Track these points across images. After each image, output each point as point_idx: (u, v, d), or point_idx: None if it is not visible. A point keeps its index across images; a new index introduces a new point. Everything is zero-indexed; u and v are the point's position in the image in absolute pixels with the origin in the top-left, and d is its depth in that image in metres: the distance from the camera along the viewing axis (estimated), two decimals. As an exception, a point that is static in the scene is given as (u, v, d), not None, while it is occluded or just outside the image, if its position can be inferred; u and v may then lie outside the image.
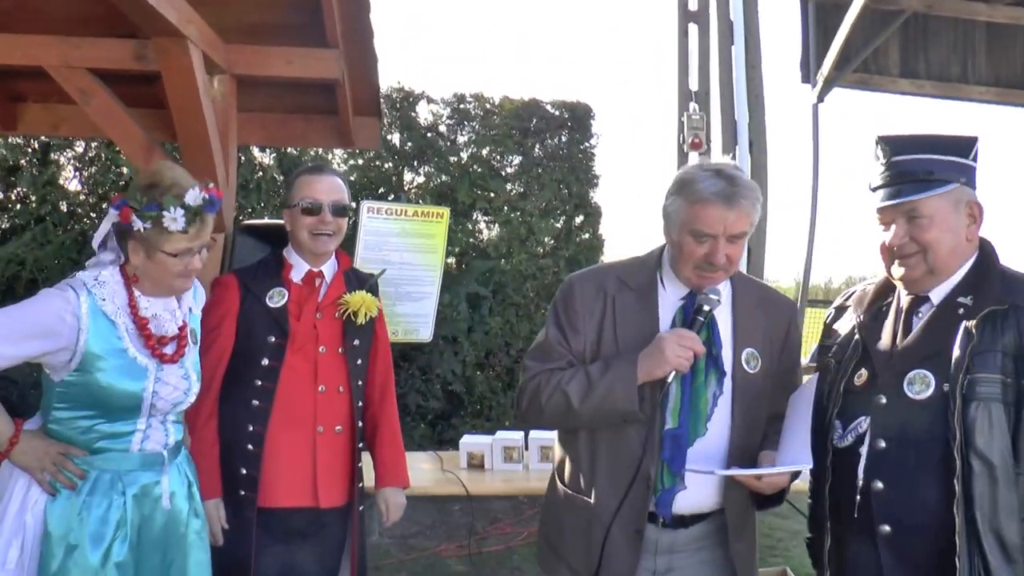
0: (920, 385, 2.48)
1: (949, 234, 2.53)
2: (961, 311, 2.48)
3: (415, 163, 8.35)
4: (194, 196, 2.74)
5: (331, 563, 3.51)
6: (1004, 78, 13.09)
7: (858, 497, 2.54)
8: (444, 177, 8.36)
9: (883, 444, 2.51)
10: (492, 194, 8.49)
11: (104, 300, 2.76)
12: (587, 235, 8.93)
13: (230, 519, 3.27)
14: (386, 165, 8.29)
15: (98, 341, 2.73)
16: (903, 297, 2.66)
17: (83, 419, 2.77)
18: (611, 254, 9.30)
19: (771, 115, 9.27)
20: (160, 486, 2.87)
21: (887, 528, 2.48)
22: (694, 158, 9.96)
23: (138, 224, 2.72)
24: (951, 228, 2.53)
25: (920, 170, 2.52)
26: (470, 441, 5.01)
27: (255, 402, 3.29)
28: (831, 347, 2.79)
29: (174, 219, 2.72)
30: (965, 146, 2.56)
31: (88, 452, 2.77)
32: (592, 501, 2.84)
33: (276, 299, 3.36)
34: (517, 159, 8.72)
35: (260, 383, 3.29)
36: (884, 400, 2.53)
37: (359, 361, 3.49)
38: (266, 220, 5.63)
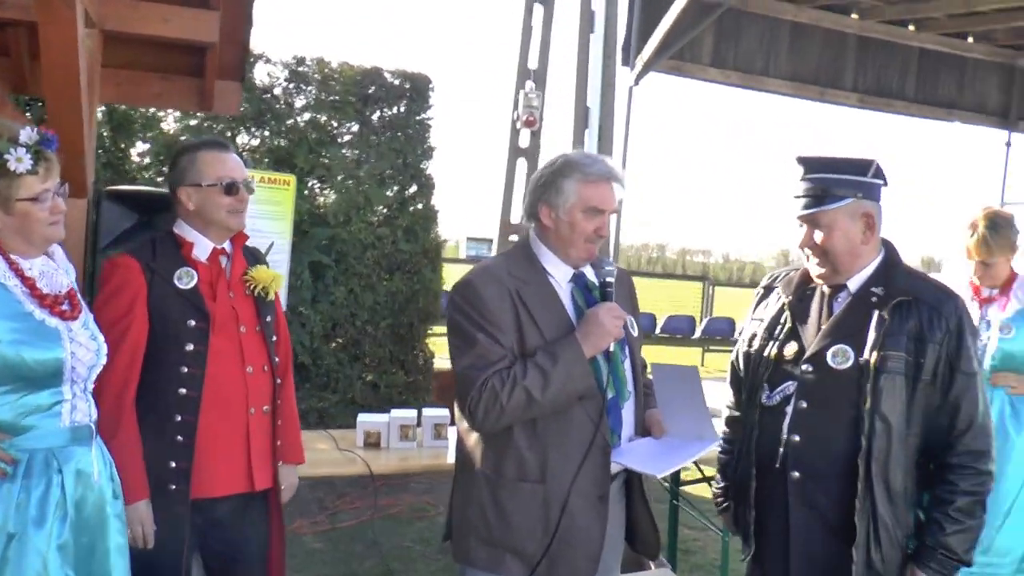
0: (841, 357, 2.92)
1: (844, 240, 2.97)
2: (874, 299, 2.96)
3: (251, 126, 8.09)
4: (28, 134, 2.61)
5: (261, 547, 3.46)
6: (800, 73, 13.92)
7: (781, 449, 2.97)
8: (281, 141, 8.14)
9: (805, 405, 2.96)
10: (329, 160, 8.32)
11: None
12: (420, 205, 8.89)
13: (159, 518, 3.12)
14: (219, 126, 7.98)
15: None
16: (824, 285, 3.10)
17: (4, 395, 2.59)
18: (444, 226, 9.33)
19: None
20: (90, 462, 2.75)
21: (796, 474, 2.93)
22: (526, 135, 10.11)
23: None
24: (846, 235, 2.97)
25: (823, 187, 2.97)
26: (367, 420, 4.96)
27: (182, 390, 3.14)
28: (761, 321, 3.22)
29: (19, 159, 2.57)
30: (862, 167, 3.01)
31: (14, 435, 2.60)
32: (544, 483, 2.93)
33: (186, 280, 3.21)
34: (355, 126, 8.57)
35: (186, 370, 3.15)
36: (810, 369, 2.97)
37: (274, 338, 3.43)
38: (133, 187, 5.34)
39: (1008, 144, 15.68)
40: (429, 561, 6.09)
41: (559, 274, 3.08)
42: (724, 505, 3.37)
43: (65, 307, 2.73)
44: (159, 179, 7.77)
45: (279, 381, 3.42)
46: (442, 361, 9.74)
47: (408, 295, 8.64)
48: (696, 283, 24.55)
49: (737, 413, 3.33)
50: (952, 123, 15.45)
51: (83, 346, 2.73)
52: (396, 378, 8.57)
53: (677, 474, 5.59)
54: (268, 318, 3.41)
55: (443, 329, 12.95)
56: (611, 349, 2.98)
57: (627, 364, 3.10)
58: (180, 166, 3.33)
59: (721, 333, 18.22)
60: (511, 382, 2.84)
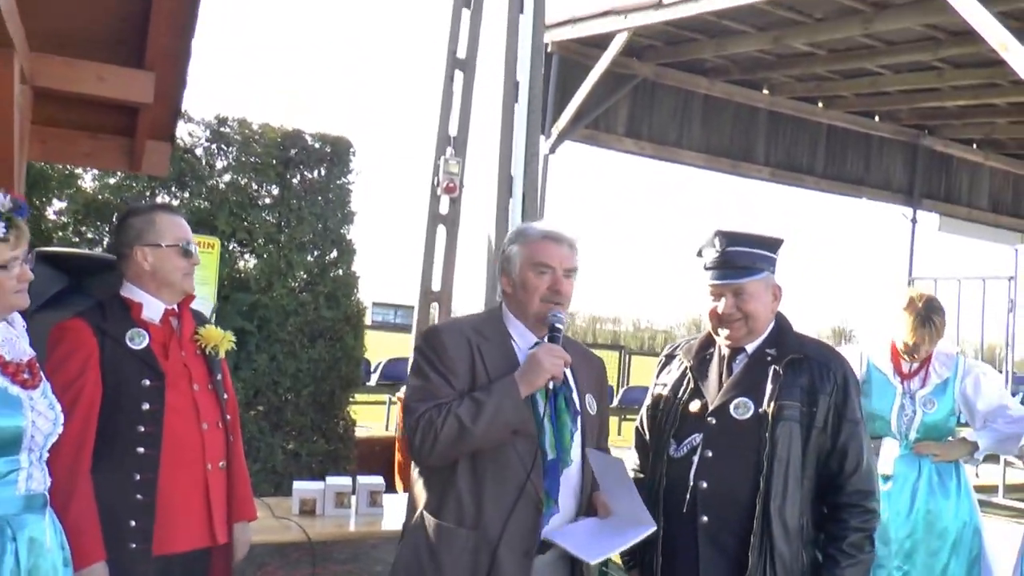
0: (743, 409, 3.23)
1: (762, 307, 3.33)
2: (769, 359, 3.29)
3: (171, 186, 7.93)
4: (0, 201, 2.59)
5: None
6: (713, 146, 14.26)
7: (687, 496, 3.21)
8: (202, 203, 7.99)
9: (710, 453, 3.23)
10: (250, 224, 8.20)
11: None
12: (341, 271, 8.80)
13: None
14: (138, 185, 7.81)
15: None
16: (723, 349, 3.41)
17: None
18: (365, 292, 9.23)
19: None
20: (43, 530, 2.71)
21: (705, 518, 3.18)
22: (446, 202, 10.08)
23: None
24: (763, 303, 3.34)
25: (746, 260, 3.30)
26: (302, 487, 4.97)
27: (140, 449, 3.16)
28: (665, 385, 3.50)
29: None
30: (777, 245, 3.39)
31: None
32: (475, 529, 3.02)
33: (138, 341, 3.26)
34: (276, 189, 8.47)
35: (143, 428, 3.18)
36: (714, 421, 3.26)
37: (224, 396, 3.47)
38: (63, 249, 5.18)
39: (913, 220, 16.25)
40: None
41: (522, 340, 3.22)
42: (631, 563, 3.51)
43: (26, 375, 2.72)
44: (75, 239, 7.58)
45: (231, 438, 3.47)
46: (363, 429, 9.61)
47: (330, 362, 8.51)
48: (611, 351, 24.70)
49: (642, 475, 3.52)
50: (860, 199, 15.94)
51: (42, 415, 2.71)
52: (317, 446, 8.41)
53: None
54: (218, 376, 3.46)
55: (365, 396, 12.81)
56: (559, 412, 3.11)
57: (577, 436, 3.18)
58: (135, 227, 3.35)
59: (638, 402, 18.24)
60: (446, 411, 2.96)
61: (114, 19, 4.03)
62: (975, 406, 4.71)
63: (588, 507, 3.24)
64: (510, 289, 3.26)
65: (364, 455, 8.83)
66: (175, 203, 7.97)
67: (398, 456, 9.05)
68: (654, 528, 3.11)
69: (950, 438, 4.77)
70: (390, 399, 13.15)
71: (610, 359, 23.11)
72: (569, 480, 3.15)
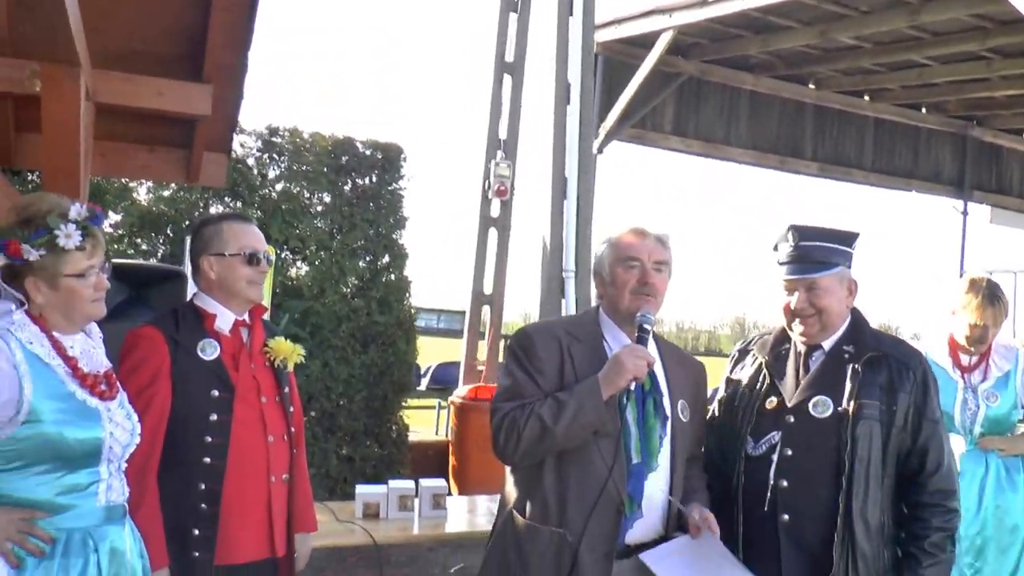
0: (822, 407, 3.17)
1: (836, 302, 3.26)
2: (846, 356, 3.24)
3: (225, 196, 8.03)
4: (78, 211, 2.60)
5: None
6: (760, 142, 14.14)
7: (768, 494, 3.16)
8: (255, 212, 8.07)
9: (790, 452, 3.17)
10: (303, 232, 8.28)
11: (32, 343, 2.56)
12: (394, 276, 8.86)
13: None
14: (193, 196, 7.92)
15: (43, 388, 2.53)
16: (799, 345, 3.34)
17: (42, 474, 2.55)
18: (418, 297, 9.27)
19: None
20: (123, 540, 2.73)
21: (786, 517, 3.13)
22: (496, 205, 10.13)
23: (32, 254, 2.54)
24: (838, 298, 3.26)
25: (820, 255, 3.26)
26: (365, 491, 4.97)
27: (207, 459, 3.15)
28: (739, 381, 3.44)
29: (68, 235, 2.56)
30: (851, 239, 3.34)
31: (52, 513, 2.56)
32: (561, 529, 3.02)
33: (209, 351, 3.22)
34: (328, 197, 8.54)
35: (211, 439, 3.16)
36: (793, 419, 3.20)
37: (291, 409, 3.45)
38: (125, 260, 5.27)
39: (964, 213, 16.00)
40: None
41: (615, 342, 3.18)
42: None
43: (103, 387, 2.71)
44: (130, 251, 7.69)
45: (295, 451, 3.45)
46: (414, 434, 9.64)
47: (383, 367, 8.57)
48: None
49: (708, 467, 3.46)
50: (909, 192, 15.76)
51: (120, 426, 2.72)
52: (371, 451, 8.47)
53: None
54: (286, 389, 3.44)
55: (417, 401, 12.78)
56: (647, 416, 3.08)
57: (666, 441, 3.13)
58: (204, 236, 3.35)
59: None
60: (529, 411, 2.98)
61: (173, 35, 4.12)
62: None
63: (676, 519, 3.18)
64: (602, 290, 3.27)
65: (417, 459, 8.86)
66: (227, 213, 8.06)
67: (452, 460, 9.09)
68: None
69: (1013, 432, 4.67)
70: (440, 403, 13.16)
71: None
72: (656, 485, 3.11)
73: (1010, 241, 17.30)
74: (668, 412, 3.15)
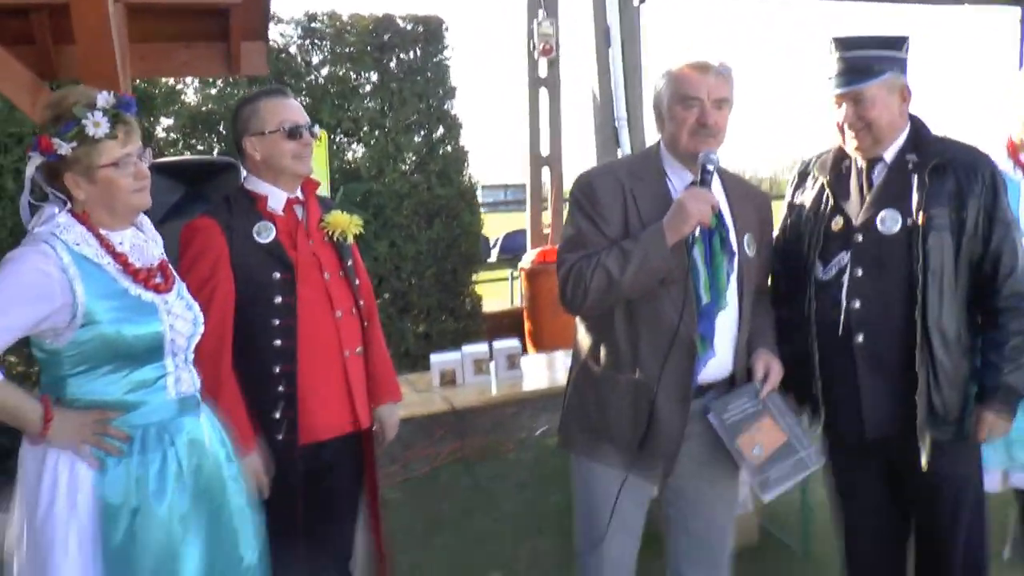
0: (891, 222, 3.11)
1: (886, 112, 3.15)
2: (910, 166, 3.16)
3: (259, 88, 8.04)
4: (105, 99, 2.55)
5: (358, 485, 3.55)
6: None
7: (842, 317, 3.16)
8: (303, 99, 8.08)
9: (860, 272, 3.15)
10: (354, 113, 8.29)
11: (79, 244, 2.55)
12: (450, 147, 8.87)
13: (269, 468, 3.15)
14: (239, 92, 7.93)
15: (95, 288, 2.53)
16: (859, 160, 3.27)
17: (109, 374, 2.57)
18: (475, 166, 9.28)
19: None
20: (200, 430, 2.76)
21: (861, 339, 3.14)
22: (544, 65, 10.02)
23: (64, 148, 2.51)
24: (887, 107, 3.16)
25: (863, 64, 3.14)
26: (440, 359, 5.02)
27: (277, 342, 3.16)
28: (802, 205, 3.39)
29: (97, 124, 2.53)
30: (898, 43, 3.19)
31: (124, 412, 2.59)
32: (636, 376, 3.05)
33: (265, 234, 3.19)
34: (374, 76, 8.53)
35: (278, 322, 3.16)
36: (861, 238, 3.16)
37: (357, 282, 3.43)
38: (177, 158, 5.33)
39: (1022, 21, 15.42)
40: (505, 497, 6.13)
41: (678, 179, 3.13)
42: (786, 386, 3.37)
43: (159, 279, 2.70)
44: (186, 152, 7.76)
45: (367, 324, 3.45)
46: (490, 304, 9.75)
47: (449, 241, 8.65)
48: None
49: (778, 295, 3.44)
50: (962, 6, 15.21)
51: (180, 317, 2.71)
52: (446, 326, 8.60)
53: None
54: (349, 262, 3.42)
55: (488, 274, 12.92)
56: (714, 254, 3.03)
57: (733, 277, 3.09)
58: (242, 117, 3.30)
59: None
60: (595, 263, 2.95)
61: (195, -76, 4.05)
62: None
63: (746, 357, 3.20)
64: (661, 126, 3.17)
65: (493, 329, 8.94)
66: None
67: (527, 325, 9.19)
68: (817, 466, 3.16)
69: None
70: (512, 274, 13.23)
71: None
72: (725, 323, 3.10)
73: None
74: (735, 247, 3.11)
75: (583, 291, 2.97)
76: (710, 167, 3.00)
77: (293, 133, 3.23)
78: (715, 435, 3.10)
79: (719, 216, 3.05)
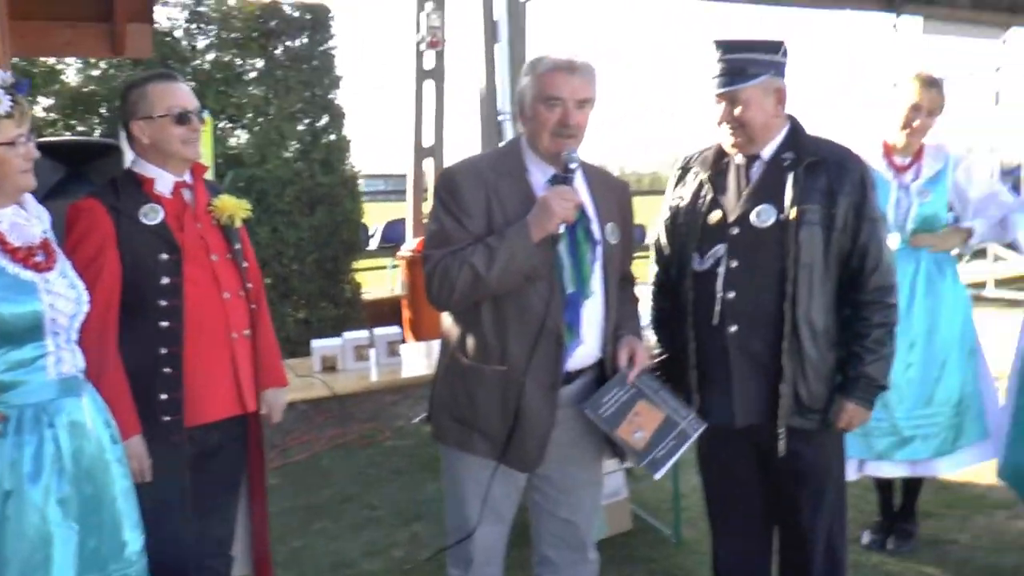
0: (765, 216, 3.23)
1: (760, 113, 3.27)
2: (786, 163, 3.28)
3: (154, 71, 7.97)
4: (3, 77, 2.54)
5: (242, 469, 3.56)
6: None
7: (717, 307, 3.26)
8: (189, 84, 8.01)
9: (735, 263, 3.26)
10: (238, 99, 8.28)
11: None
12: (333, 136, 8.90)
13: (155, 451, 3.14)
14: (123, 74, 7.84)
15: None
16: (738, 157, 3.38)
17: None
18: (357, 155, 9.35)
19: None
20: (82, 412, 2.69)
21: (735, 328, 3.25)
22: (431, 57, 10.11)
23: None
24: (762, 108, 3.27)
25: (740, 66, 3.25)
26: (321, 344, 4.99)
27: (163, 323, 3.16)
28: (682, 199, 3.49)
29: None
30: (774, 47, 3.30)
31: (1, 391, 2.55)
32: (504, 367, 3.09)
33: (152, 216, 3.19)
34: (260, 63, 8.52)
35: (165, 303, 3.16)
36: (736, 231, 3.27)
37: (244, 265, 3.45)
38: (59, 138, 5.27)
39: (895, 27, 16.09)
40: (383, 484, 6.22)
41: (539, 175, 3.16)
42: (662, 379, 3.44)
43: (39, 258, 2.66)
44: (66, 133, 7.64)
45: (254, 306, 3.47)
46: (370, 293, 9.81)
47: (331, 228, 8.67)
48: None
49: (660, 287, 3.60)
50: (843, 10, 15.78)
51: (61, 296, 2.67)
52: (326, 312, 8.64)
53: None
54: (237, 246, 3.43)
55: (369, 262, 12.90)
56: (578, 244, 3.08)
57: (597, 266, 3.17)
58: (130, 101, 3.28)
59: (634, 240, 18.39)
60: (461, 260, 2.98)
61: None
62: (967, 194, 4.71)
63: (614, 343, 3.25)
64: (523, 122, 3.21)
65: (373, 317, 8.99)
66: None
67: (407, 313, 9.28)
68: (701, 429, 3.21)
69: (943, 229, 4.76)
70: (392, 263, 13.23)
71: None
72: (592, 311, 3.16)
73: (942, 51, 17.38)
74: (598, 237, 3.18)
75: (449, 288, 3.02)
76: (572, 165, 3.08)
77: (182, 118, 3.23)
78: (582, 421, 3.18)
79: (581, 208, 3.11)
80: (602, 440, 3.33)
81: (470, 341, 3.18)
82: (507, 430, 3.11)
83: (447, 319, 3.30)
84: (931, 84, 4.53)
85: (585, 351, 3.17)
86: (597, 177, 3.34)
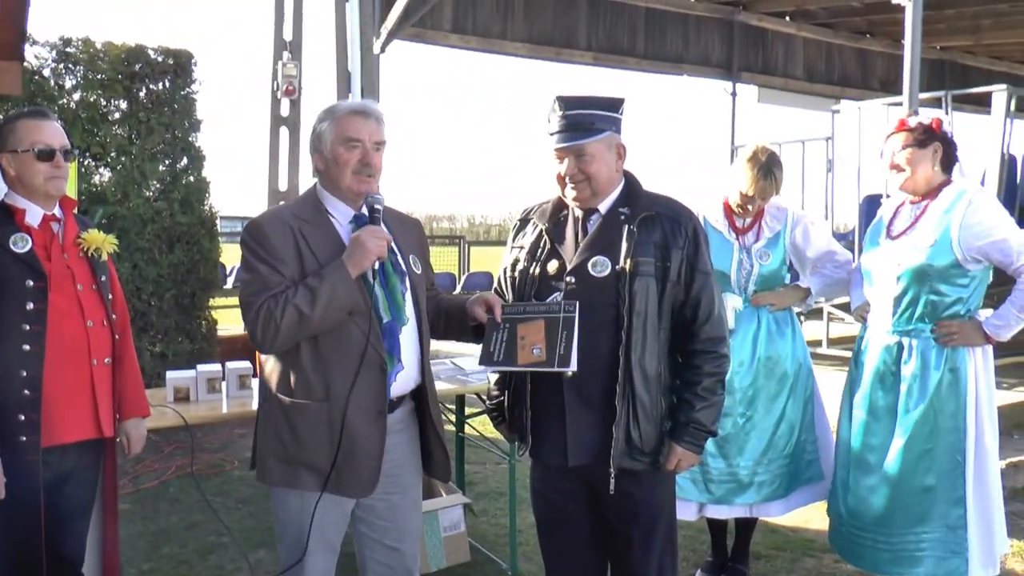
0: (601, 267, 3.34)
1: (605, 167, 3.41)
2: (622, 217, 3.40)
3: (23, 107, 8.09)
4: None
5: (92, 494, 3.70)
6: (536, 35, 14.66)
7: None
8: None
9: None
10: (103, 138, 8.50)
11: None
12: (193, 177, 9.13)
13: (10, 468, 3.26)
14: (-10, 109, 7.98)
15: None
16: (576, 210, 3.51)
17: None
18: (216, 196, 9.56)
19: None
20: None
21: (569, 373, 3.29)
22: (287, 104, 10.46)
23: None
24: (606, 163, 3.41)
25: (586, 122, 3.37)
26: (175, 376, 5.11)
27: (25, 347, 3.28)
28: (522, 248, 3.60)
29: None
30: (616, 105, 3.45)
31: None
32: (326, 401, 3.22)
33: (20, 244, 3.35)
34: (124, 103, 8.72)
35: (28, 327, 3.29)
36: (573, 280, 3.39)
37: (109, 296, 3.60)
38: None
39: (733, 94, 16.91)
40: (229, 512, 6.45)
41: (340, 215, 3.34)
42: (499, 419, 3.72)
43: None
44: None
45: (117, 337, 3.62)
46: (225, 330, 10.01)
47: (189, 266, 8.86)
48: (451, 246, 25.39)
49: None
50: (681, 76, 16.56)
51: None
52: (182, 347, 8.78)
53: (462, 407, 6.09)
54: (103, 277, 3.59)
55: (224, 300, 12.97)
56: (388, 276, 3.27)
57: (408, 295, 3.36)
58: (2, 134, 3.43)
59: (480, 286, 18.65)
60: (283, 302, 3.08)
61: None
62: (805, 253, 4.87)
63: (427, 366, 3.45)
64: (323, 166, 3.34)
65: (226, 352, 9.09)
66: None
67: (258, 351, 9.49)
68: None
69: (782, 287, 4.91)
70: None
71: (450, 252, 23.76)
72: (408, 337, 3.33)
73: (775, 117, 18.15)
74: (404, 268, 3.37)
75: (274, 330, 3.08)
76: (378, 207, 3.28)
77: (42, 154, 3.38)
78: (403, 448, 3.40)
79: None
80: (420, 466, 3.55)
81: (291, 379, 3.27)
82: (333, 460, 3.21)
83: (268, 363, 3.37)
84: (766, 175, 4.66)
85: (406, 376, 3.34)
86: (392, 215, 3.53)
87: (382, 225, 3.32)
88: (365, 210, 3.34)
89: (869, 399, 4.49)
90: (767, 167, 4.66)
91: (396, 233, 3.44)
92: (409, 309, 3.36)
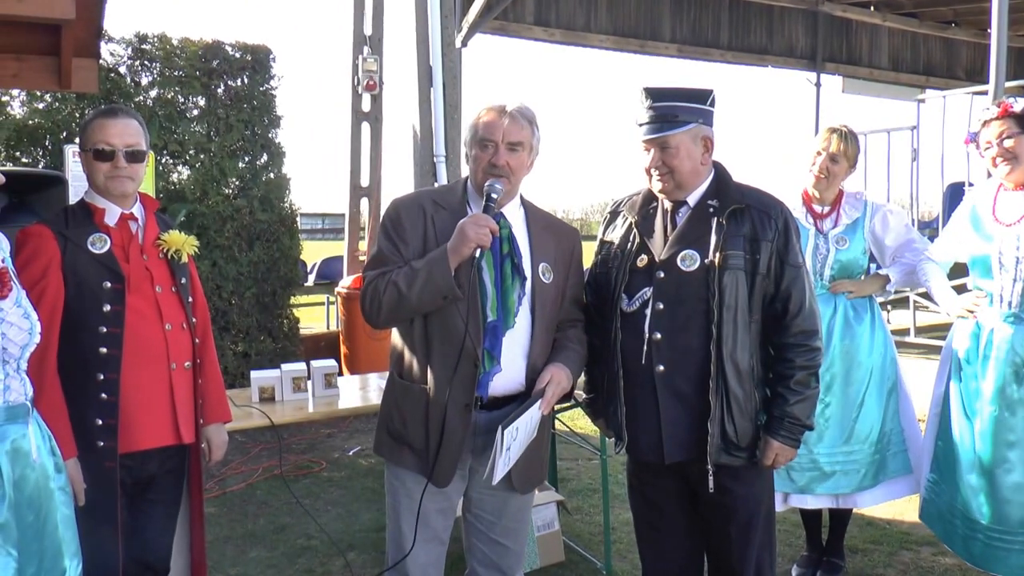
0: (690, 261, 3.33)
1: (688, 160, 3.38)
2: (711, 210, 3.38)
3: (99, 105, 8.03)
4: None
5: (178, 498, 3.62)
6: (620, 27, 14.50)
7: (645, 347, 3.35)
8: (130, 119, 8.10)
9: (661, 306, 3.34)
10: (181, 136, 8.39)
11: None
12: (273, 174, 9.03)
13: (89, 475, 3.20)
14: (67, 108, 7.92)
15: None
16: (666, 203, 3.49)
17: None
18: (296, 193, 9.46)
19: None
20: (27, 440, 2.68)
21: (661, 367, 3.32)
22: (367, 99, 10.32)
23: None
24: (690, 155, 3.38)
25: (669, 113, 3.35)
26: (260, 376, 5.07)
27: (103, 349, 3.23)
28: (611, 242, 3.59)
29: None
30: (703, 96, 3.41)
31: None
32: (428, 386, 3.28)
33: (99, 245, 3.30)
34: (202, 100, 8.63)
35: (105, 330, 3.24)
36: (663, 274, 3.36)
37: (189, 299, 3.54)
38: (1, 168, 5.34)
39: (818, 84, 16.71)
40: (318, 514, 6.29)
41: (476, 208, 3.37)
42: (595, 414, 3.70)
43: None
44: (9, 165, 7.67)
45: (198, 340, 3.54)
46: (307, 328, 9.91)
47: (269, 263, 8.77)
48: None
49: (589, 326, 3.61)
50: (765, 68, 16.31)
51: (14, 325, 2.66)
52: (264, 345, 8.69)
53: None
54: (183, 280, 3.53)
55: (305, 298, 12.96)
56: (504, 277, 3.27)
57: (525, 301, 3.32)
58: (82, 132, 3.43)
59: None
60: (388, 279, 3.22)
61: (31, -61, 4.09)
62: (884, 242, 4.85)
63: (536, 374, 3.33)
64: (467, 161, 3.43)
65: (310, 351, 9.08)
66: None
67: (343, 348, 9.39)
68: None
69: (862, 276, 4.87)
70: (328, 299, 13.41)
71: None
72: (514, 342, 3.29)
73: (860, 108, 18.02)
74: (528, 273, 3.33)
75: (377, 305, 3.23)
76: (493, 195, 3.24)
77: (99, 154, 3.34)
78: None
79: (512, 242, 3.31)
80: (536, 466, 3.49)
81: (403, 360, 3.39)
82: (433, 446, 3.27)
83: (393, 336, 3.49)
84: (845, 137, 4.71)
85: (506, 379, 3.30)
86: (541, 219, 3.52)
87: (514, 217, 3.38)
88: (516, 221, 3.40)
89: (1000, 392, 4.24)
90: (844, 132, 4.75)
91: (535, 236, 3.44)
92: (524, 316, 3.33)
